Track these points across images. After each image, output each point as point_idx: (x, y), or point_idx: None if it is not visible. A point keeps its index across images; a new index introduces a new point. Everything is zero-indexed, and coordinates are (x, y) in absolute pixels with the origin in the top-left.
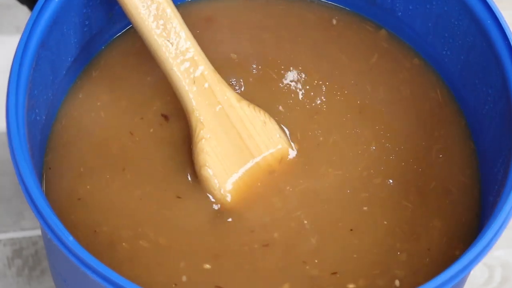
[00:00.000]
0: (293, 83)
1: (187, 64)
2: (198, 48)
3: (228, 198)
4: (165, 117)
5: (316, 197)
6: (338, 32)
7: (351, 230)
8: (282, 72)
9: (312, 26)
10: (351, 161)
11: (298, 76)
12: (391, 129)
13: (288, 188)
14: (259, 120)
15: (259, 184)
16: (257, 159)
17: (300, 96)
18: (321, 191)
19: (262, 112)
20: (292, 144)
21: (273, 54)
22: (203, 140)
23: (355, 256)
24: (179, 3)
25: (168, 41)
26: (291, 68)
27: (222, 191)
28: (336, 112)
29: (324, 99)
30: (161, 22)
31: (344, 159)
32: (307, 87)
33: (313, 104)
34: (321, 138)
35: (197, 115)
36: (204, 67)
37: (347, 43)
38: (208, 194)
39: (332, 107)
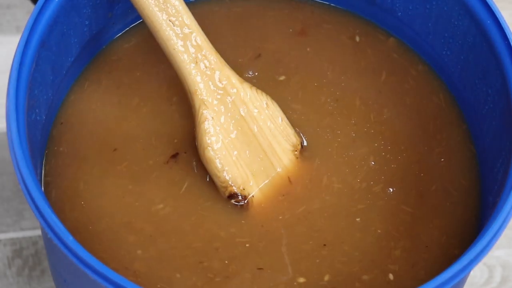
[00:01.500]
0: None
1: (189, 44)
2: (200, 30)
3: (231, 182)
4: (179, 153)
5: (304, 208)
6: (359, 49)
7: (324, 245)
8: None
9: (336, 40)
10: (351, 173)
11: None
12: (392, 142)
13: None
14: (261, 102)
15: (262, 168)
16: (260, 140)
17: (306, 111)
18: (314, 205)
19: (264, 95)
20: (298, 130)
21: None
22: (206, 121)
23: (322, 263)
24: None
25: (170, 20)
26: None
27: (225, 174)
28: (337, 133)
29: (323, 118)
30: (162, 1)
31: (343, 172)
32: (320, 101)
33: (317, 124)
34: (322, 153)
35: (200, 95)
36: (206, 49)
37: (364, 59)
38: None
39: (333, 127)
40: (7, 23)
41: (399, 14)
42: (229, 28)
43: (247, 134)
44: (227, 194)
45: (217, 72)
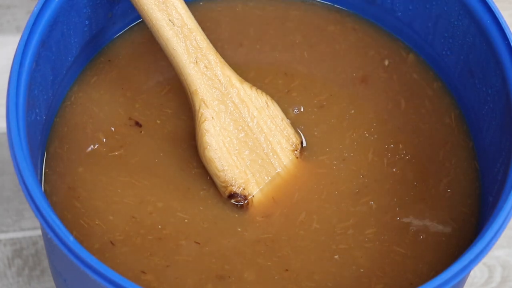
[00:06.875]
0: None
1: (189, 44)
2: (200, 30)
3: (231, 182)
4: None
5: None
6: (389, 74)
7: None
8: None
9: (369, 63)
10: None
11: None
12: (402, 183)
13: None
14: (262, 102)
15: (260, 165)
16: (261, 140)
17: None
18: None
19: (264, 94)
20: (299, 130)
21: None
22: (206, 121)
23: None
24: None
25: (170, 20)
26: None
27: (225, 173)
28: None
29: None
30: (162, 1)
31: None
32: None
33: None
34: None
35: (200, 95)
36: (206, 49)
37: (390, 84)
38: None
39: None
40: (7, 23)
41: (399, 14)
42: (229, 28)
43: (247, 134)
44: (227, 194)
45: (217, 72)
